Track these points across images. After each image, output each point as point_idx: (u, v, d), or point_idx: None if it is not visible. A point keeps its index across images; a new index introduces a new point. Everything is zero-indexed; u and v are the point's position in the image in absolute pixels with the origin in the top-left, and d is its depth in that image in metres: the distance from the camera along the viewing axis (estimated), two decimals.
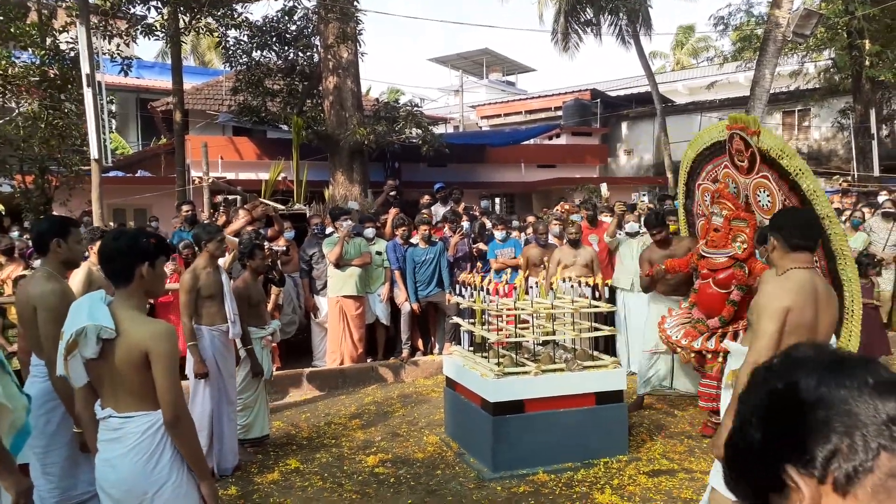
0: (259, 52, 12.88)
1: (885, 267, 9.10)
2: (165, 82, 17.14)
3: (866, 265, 7.96)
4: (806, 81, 19.27)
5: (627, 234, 7.94)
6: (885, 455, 0.76)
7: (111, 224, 10.49)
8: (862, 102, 15.63)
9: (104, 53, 11.06)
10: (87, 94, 6.77)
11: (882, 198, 10.63)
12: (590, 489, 4.59)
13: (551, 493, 4.57)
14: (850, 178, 14.83)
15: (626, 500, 4.40)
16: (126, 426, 2.53)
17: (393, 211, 8.85)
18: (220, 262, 5.89)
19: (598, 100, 21.91)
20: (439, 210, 9.98)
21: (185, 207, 8.91)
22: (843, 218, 9.74)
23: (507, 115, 25.59)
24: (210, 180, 8.75)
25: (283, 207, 9.26)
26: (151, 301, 7.28)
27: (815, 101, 18.76)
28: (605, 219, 8.79)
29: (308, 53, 12.98)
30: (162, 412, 2.51)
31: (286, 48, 12.98)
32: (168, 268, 7.10)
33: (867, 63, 14.73)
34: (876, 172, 14.86)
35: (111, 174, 13.69)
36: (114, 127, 18.85)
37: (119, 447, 2.53)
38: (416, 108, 12.74)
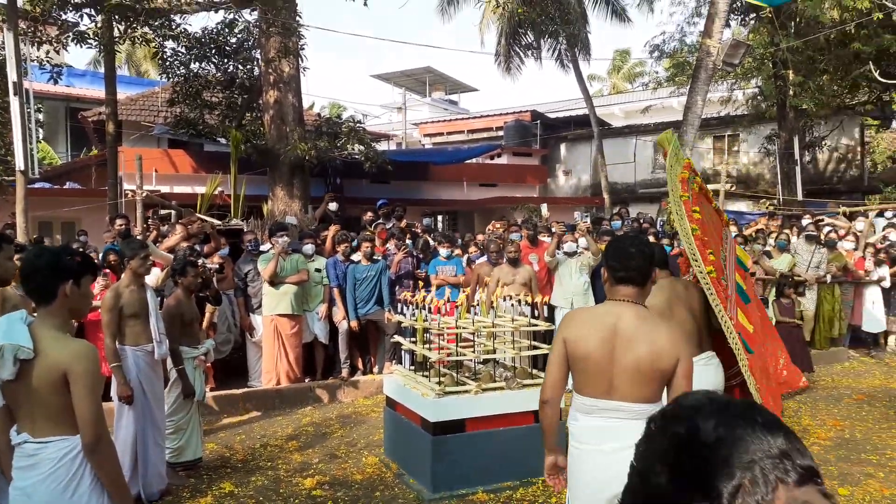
0: (197, 63, 12.61)
1: (808, 287, 9.53)
2: (97, 91, 16.59)
3: (783, 285, 8.32)
4: (735, 108, 20.11)
5: (566, 253, 8.08)
6: (781, 487, 0.81)
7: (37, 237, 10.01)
8: (786, 129, 16.41)
9: (32, 60, 10.64)
10: (14, 102, 6.47)
11: (806, 221, 11.14)
12: None
13: None
14: (775, 201, 15.51)
15: None
16: (42, 452, 2.40)
17: (334, 227, 8.75)
18: (151, 279, 5.72)
19: (538, 121, 22.31)
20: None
21: (118, 221, 8.61)
22: (771, 241, 10.17)
23: (449, 133, 25.75)
24: (144, 193, 8.47)
25: (219, 223, 9.04)
26: (80, 320, 6.99)
27: (744, 127, 19.58)
28: (545, 238, 8.93)
29: (248, 67, 12.78)
30: (81, 436, 2.38)
31: (226, 61, 12.75)
32: (99, 283, 6.83)
33: (791, 92, 15.49)
34: (799, 196, 15.58)
35: (37, 185, 13.10)
36: (41, 136, 18.11)
37: (34, 474, 2.39)
38: (358, 124, 12.69)
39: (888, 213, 12.17)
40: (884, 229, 11.76)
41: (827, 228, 10.85)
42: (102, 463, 2.42)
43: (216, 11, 11.83)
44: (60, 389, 2.35)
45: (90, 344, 2.53)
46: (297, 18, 11.24)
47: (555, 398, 2.76)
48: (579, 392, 2.70)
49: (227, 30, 12.30)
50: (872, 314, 9.96)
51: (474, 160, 18.84)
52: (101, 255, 7.69)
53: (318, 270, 8.00)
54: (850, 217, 12.20)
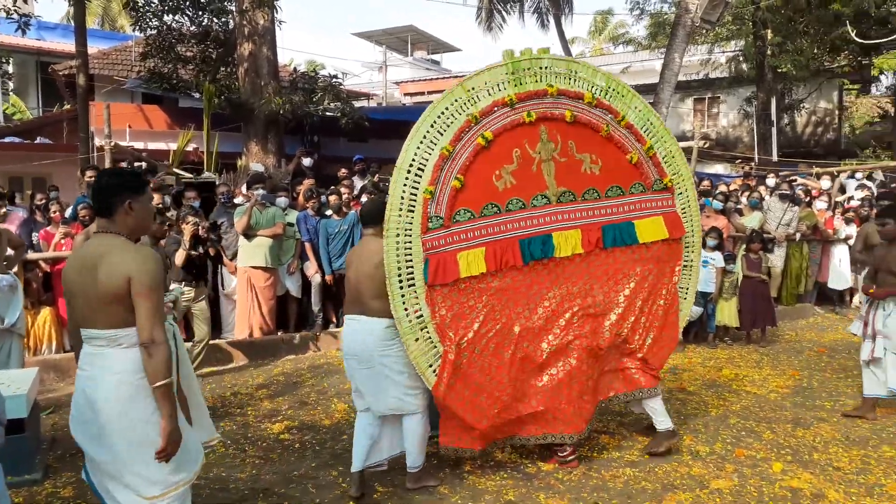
0: (171, 15, 12.36)
1: (777, 245, 9.68)
2: (69, 45, 16.18)
3: (750, 241, 8.48)
4: (713, 67, 20.11)
5: None
6: None
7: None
8: (764, 91, 16.46)
9: None
10: None
11: (770, 181, 11.24)
12: None
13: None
14: (752, 163, 15.65)
15: None
16: None
17: (307, 182, 8.72)
18: None
19: None
20: (357, 182, 9.92)
21: (89, 173, 8.50)
22: (744, 199, 10.28)
23: (430, 92, 25.56)
24: (112, 144, 8.37)
25: (190, 176, 8.97)
26: (48, 269, 6.97)
27: (723, 88, 19.61)
28: None
29: (223, 19, 12.55)
30: None
31: (200, 13, 12.50)
32: (60, 233, 6.81)
33: (769, 53, 15.50)
34: (775, 158, 15.72)
35: (7, 140, 12.89)
36: (10, 89, 17.73)
37: None
38: (335, 80, 12.55)
39: (858, 175, 12.33)
40: (855, 189, 11.94)
41: (799, 188, 10.99)
42: None
43: None
44: None
45: None
46: None
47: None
48: (79, 325, 2.73)
49: None
50: (839, 271, 10.16)
51: None
52: (72, 208, 7.63)
53: (290, 224, 8.00)
54: (821, 178, 12.34)
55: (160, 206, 6.49)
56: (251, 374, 6.93)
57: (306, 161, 10.31)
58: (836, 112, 20.64)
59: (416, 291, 3.88)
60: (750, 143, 18.98)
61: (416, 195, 3.87)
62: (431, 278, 3.87)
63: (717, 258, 8.01)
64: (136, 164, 9.43)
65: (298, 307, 8.26)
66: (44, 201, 7.94)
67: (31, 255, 6.81)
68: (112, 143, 8.44)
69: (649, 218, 4.54)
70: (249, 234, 7.50)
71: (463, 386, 3.94)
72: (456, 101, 4.00)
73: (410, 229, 3.86)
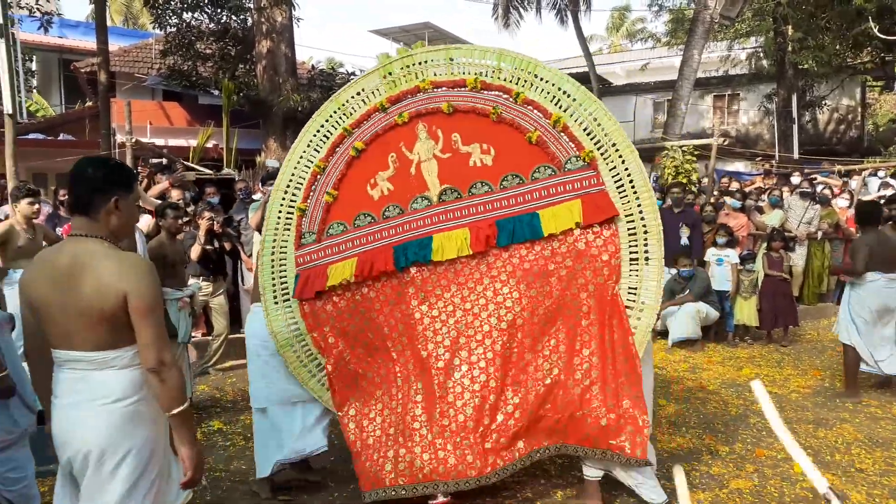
0: (190, 13, 12.48)
1: (798, 243, 9.56)
2: (90, 42, 16.36)
3: (771, 239, 8.40)
4: (733, 65, 19.91)
5: None
6: None
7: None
8: (785, 88, 16.27)
9: (21, 7, 10.50)
10: (0, 44, 6.42)
11: (795, 179, 11.11)
12: None
13: None
14: (773, 161, 15.48)
15: None
16: None
17: None
18: (142, 224, 5.78)
19: None
20: None
21: None
22: (765, 197, 10.18)
23: None
24: (133, 141, 8.46)
25: (209, 172, 9.04)
26: None
27: (743, 85, 19.42)
28: None
29: (241, 17, 12.66)
30: None
31: (219, 10, 12.62)
32: None
33: (790, 49, 15.31)
34: (796, 155, 15.53)
35: (31, 136, 13.06)
36: (33, 86, 17.97)
37: None
38: (352, 76, 12.60)
39: (881, 173, 12.16)
40: (878, 189, 11.77)
41: (820, 186, 10.86)
42: None
43: None
44: None
45: None
46: None
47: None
48: (51, 346, 2.31)
49: None
50: None
51: None
52: None
53: None
54: (845, 176, 12.19)
55: (181, 201, 6.54)
56: None
57: None
58: (859, 109, 20.36)
59: (290, 306, 4.05)
60: (771, 140, 18.77)
61: (292, 213, 4.10)
62: (298, 292, 3.99)
63: (732, 255, 7.94)
64: (155, 160, 9.53)
65: None
66: (67, 196, 8.05)
67: None
68: (133, 140, 8.53)
69: (561, 204, 3.66)
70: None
71: (355, 389, 3.95)
72: (332, 116, 4.08)
73: (286, 247, 4.09)
